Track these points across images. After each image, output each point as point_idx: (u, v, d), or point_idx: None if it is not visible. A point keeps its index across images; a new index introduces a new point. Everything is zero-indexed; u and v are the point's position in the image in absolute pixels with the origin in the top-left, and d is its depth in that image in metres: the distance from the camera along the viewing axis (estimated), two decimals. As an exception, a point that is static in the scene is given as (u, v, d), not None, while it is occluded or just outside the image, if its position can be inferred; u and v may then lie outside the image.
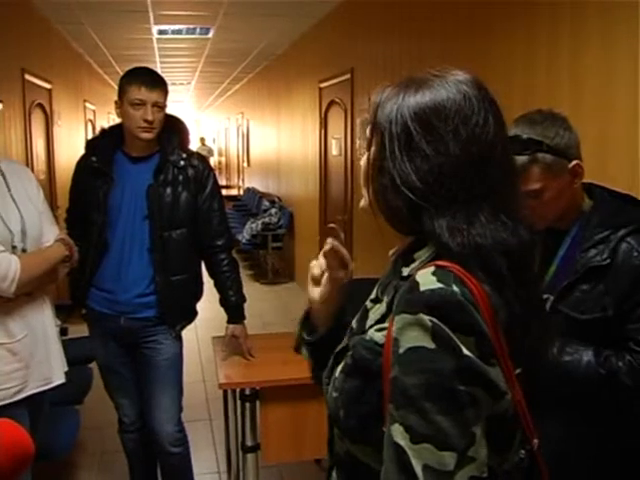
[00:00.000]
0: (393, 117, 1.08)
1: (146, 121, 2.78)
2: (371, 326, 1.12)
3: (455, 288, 0.98)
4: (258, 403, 2.92)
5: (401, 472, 0.95)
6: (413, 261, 1.10)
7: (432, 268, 1.02)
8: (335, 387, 1.14)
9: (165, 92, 2.86)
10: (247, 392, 2.90)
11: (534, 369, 1.13)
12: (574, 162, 1.75)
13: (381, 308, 1.12)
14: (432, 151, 1.05)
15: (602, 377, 1.66)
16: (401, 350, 0.98)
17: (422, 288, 0.99)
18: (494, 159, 1.08)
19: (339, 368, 1.16)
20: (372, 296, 1.20)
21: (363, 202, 1.19)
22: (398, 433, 0.97)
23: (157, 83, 2.83)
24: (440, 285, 0.98)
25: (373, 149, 1.13)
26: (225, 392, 3.17)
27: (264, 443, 2.94)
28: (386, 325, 1.06)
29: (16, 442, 0.99)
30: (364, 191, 1.18)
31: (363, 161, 1.18)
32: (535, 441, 1.09)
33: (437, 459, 0.94)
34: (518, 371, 1.05)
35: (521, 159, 1.72)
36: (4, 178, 2.40)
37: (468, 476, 0.95)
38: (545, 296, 1.75)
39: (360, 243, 6.01)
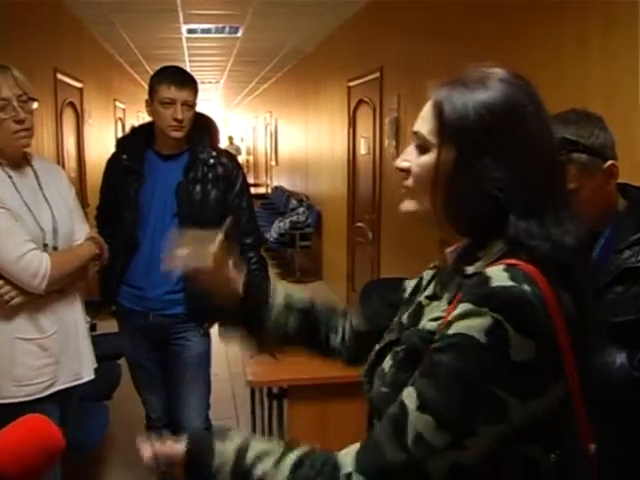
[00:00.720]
0: (469, 116, 1.05)
1: (176, 120, 2.80)
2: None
3: (526, 287, 0.97)
4: (285, 401, 2.92)
5: (393, 429, 0.99)
6: (477, 260, 1.08)
7: (503, 266, 1.01)
8: (385, 382, 1.13)
9: (195, 91, 2.88)
10: (275, 390, 2.90)
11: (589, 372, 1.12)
12: (609, 162, 1.73)
13: (441, 305, 1.10)
14: (522, 150, 1.04)
15: (635, 380, 1.63)
16: (450, 332, 0.99)
17: (493, 284, 0.98)
18: (557, 158, 1.09)
19: (387, 363, 1.15)
20: (428, 293, 1.18)
21: (412, 206, 1.15)
22: (410, 396, 1.00)
23: (187, 82, 2.85)
24: (512, 283, 0.98)
25: (445, 153, 1.08)
26: (252, 390, 3.18)
27: (291, 441, 2.94)
28: (442, 315, 1.06)
29: (47, 437, 1.00)
30: (422, 197, 1.13)
31: (420, 165, 1.12)
32: (592, 446, 1.07)
33: (432, 433, 0.96)
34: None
35: None
36: (36, 176, 2.42)
37: (452, 460, 0.98)
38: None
39: (387, 242, 5.99)
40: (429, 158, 1.10)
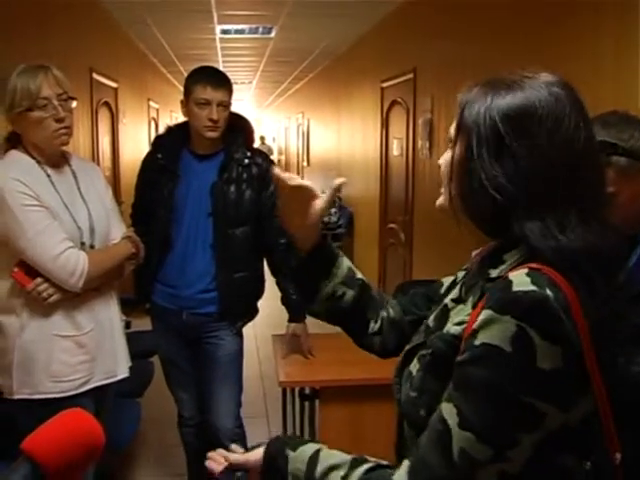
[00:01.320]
0: (482, 118, 1.07)
1: (211, 120, 2.81)
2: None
3: (549, 292, 0.96)
4: (317, 403, 2.92)
5: (438, 447, 1.00)
6: (502, 263, 1.08)
7: (526, 270, 1.00)
8: (413, 387, 1.14)
9: (230, 91, 2.89)
10: (307, 391, 2.90)
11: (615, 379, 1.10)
12: None
13: (466, 308, 1.10)
14: (524, 153, 1.04)
15: None
16: (477, 342, 0.99)
17: (515, 288, 0.98)
18: (585, 163, 1.06)
19: (415, 367, 1.16)
20: (454, 296, 1.19)
21: (441, 200, 1.18)
22: (449, 412, 1.00)
23: (222, 82, 2.86)
24: (534, 288, 0.97)
25: (458, 150, 1.12)
26: (284, 390, 3.19)
27: (322, 443, 2.94)
28: (466, 319, 1.06)
29: (88, 432, 1.00)
30: (444, 190, 1.17)
31: (444, 160, 1.17)
32: (617, 455, 1.05)
33: (475, 448, 0.97)
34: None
35: None
36: (74, 176, 2.45)
37: (499, 470, 0.98)
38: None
39: (420, 244, 5.96)
40: (448, 155, 1.16)
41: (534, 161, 1.04)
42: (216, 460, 1.27)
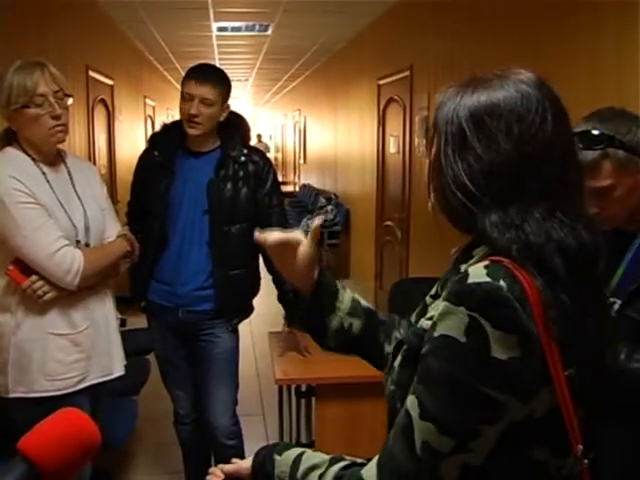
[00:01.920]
0: (449, 117, 1.10)
1: (190, 115, 2.80)
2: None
3: (502, 283, 0.98)
4: (314, 400, 2.92)
5: (404, 439, 1.02)
6: (471, 258, 1.10)
7: (486, 262, 1.02)
8: (393, 380, 1.17)
9: (216, 89, 2.82)
10: (303, 388, 2.90)
11: (596, 375, 1.11)
12: None
13: (439, 303, 1.11)
14: (483, 150, 1.06)
15: None
16: (435, 334, 1.01)
17: (469, 280, 1.00)
18: (552, 158, 1.06)
19: (397, 362, 1.18)
20: (432, 292, 1.21)
21: (430, 203, 1.20)
22: (412, 404, 1.02)
23: (207, 79, 2.82)
24: (487, 279, 0.98)
25: (434, 149, 1.14)
26: (280, 388, 3.19)
27: (318, 440, 2.94)
28: (436, 313, 1.07)
29: (84, 430, 1.00)
30: (429, 190, 1.19)
31: (426, 161, 1.19)
32: (579, 447, 1.06)
33: (436, 440, 0.99)
34: (569, 372, 1.02)
35: (592, 154, 1.66)
36: (69, 174, 2.44)
37: (461, 462, 1.00)
38: (612, 300, 1.70)
39: (416, 242, 5.97)
40: (429, 154, 1.18)
41: (492, 156, 1.05)
42: (215, 474, 1.37)
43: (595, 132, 1.68)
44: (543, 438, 1.04)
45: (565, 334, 1.00)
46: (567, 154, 1.09)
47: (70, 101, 2.35)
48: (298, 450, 1.23)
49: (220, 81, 2.88)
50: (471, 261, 1.09)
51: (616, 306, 1.69)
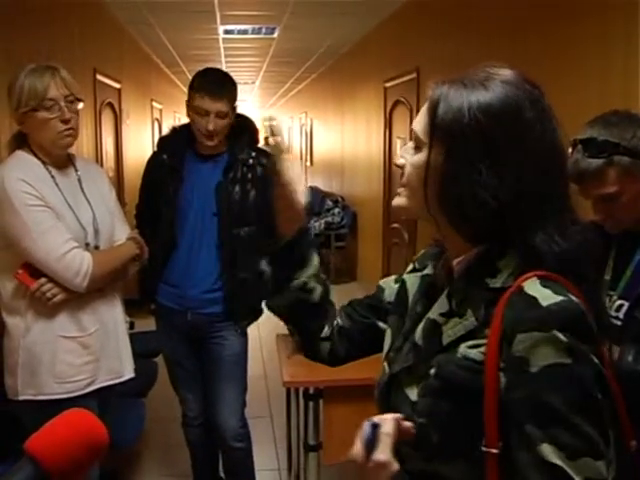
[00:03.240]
0: (463, 117, 1.03)
1: (209, 131, 2.81)
2: (453, 342, 1.07)
3: (574, 298, 0.97)
4: (321, 402, 2.92)
5: None
6: (498, 271, 1.05)
7: (535, 279, 1.00)
8: (420, 413, 1.08)
9: (230, 100, 2.85)
10: (311, 391, 2.90)
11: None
12: None
13: (466, 323, 1.06)
14: (519, 157, 1.02)
15: None
16: (534, 369, 0.96)
17: (544, 303, 0.97)
18: (559, 160, 1.06)
19: (413, 392, 1.11)
20: (442, 310, 1.12)
21: (401, 202, 1.15)
22: (550, 453, 0.94)
23: (221, 93, 2.82)
24: (562, 297, 0.97)
25: (435, 151, 1.07)
26: (288, 390, 3.19)
27: (326, 443, 2.94)
28: (482, 342, 1.02)
29: (91, 432, 1.00)
30: (408, 191, 1.14)
31: (414, 161, 1.12)
32: (633, 443, 1.07)
33: (595, 469, 0.94)
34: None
35: (597, 162, 1.66)
36: (78, 177, 2.45)
37: (612, 477, 0.96)
38: (620, 302, 1.70)
39: (424, 244, 5.93)
40: (420, 157, 1.10)
41: (528, 163, 1.02)
42: None
43: (600, 139, 1.68)
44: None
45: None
46: (565, 155, 1.10)
47: (81, 105, 2.36)
48: None
49: (231, 91, 2.89)
50: (501, 276, 1.04)
51: (624, 308, 1.69)
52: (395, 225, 6.85)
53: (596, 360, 0.97)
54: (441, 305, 1.13)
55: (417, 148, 1.11)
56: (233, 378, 3.03)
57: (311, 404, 2.91)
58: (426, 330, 1.14)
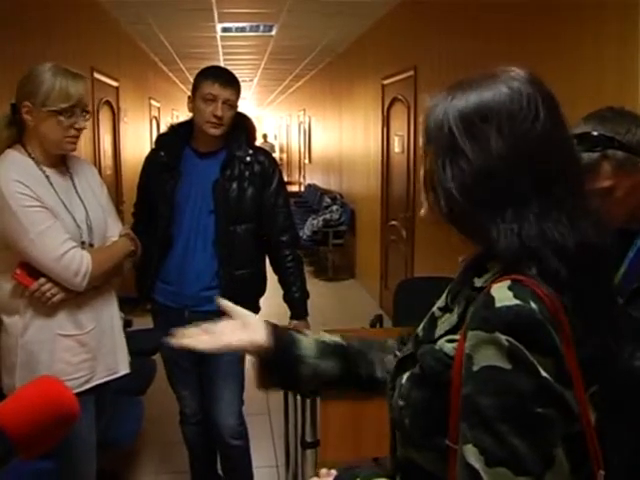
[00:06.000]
0: (439, 122, 1.07)
1: (215, 116, 2.82)
2: (441, 336, 1.09)
3: (533, 305, 0.94)
4: (319, 400, 2.92)
5: None
6: (486, 271, 1.06)
7: (508, 282, 0.98)
8: (401, 395, 1.12)
9: (237, 92, 2.91)
10: (307, 389, 2.90)
11: (607, 383, 1.07)
12: None
13: (451, 318, 1.09)
14: (475, 152, 1.02)
15: None
16: (475, 368, 0.96)
17: (498, 304, 0.95)
18: (545, 155, 1.03)
19: (405, 375, 1.14)
20: (440, 304, 1.17)
21: (423, 211, 1.17)
22: (472, 455, 0.94)
23: (231, 82, 2.89)
24: (517, 302, 0.95)
25: (427, 157, 1.11)
26: (286, 387, 3.18)
27: (323, 440, 2.94)
28: (457, 337, 1.03)
29: (58, 399, 0.99)
30: (423, 198, 1.16)
31: (423, 170, 1.15)
32: (601, 472, 1.01)
33: None
34: (592, 390, 1.00)
35: (591, 156, 1.67)
36: (70, 175, 2.45)
37: None
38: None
39: (422, 241, 5.97)
40: (424, 161, 1.13)
41: (485, 158, 1.02)
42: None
43: (594, 134, 1.68)
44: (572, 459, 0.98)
45: (587, 352, 0.97)
46: (563, 149, 1.06)
47: (88, 116, 2.40)
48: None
49: (239, 85, 2.94)
50: (486, 276, 1.05)
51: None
52: (393, 222, 6.86)
53: (544, 373, 0.92)
54: (442, 300, 1.17)
55: (424, 155, 1.14)
56: (231, 376, 3.03)
57: (308, 401, 2.91)
58: (426, 322, 1.18)
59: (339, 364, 1.37)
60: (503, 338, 0.93)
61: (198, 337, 1.37)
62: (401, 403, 1.11)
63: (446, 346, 1.05)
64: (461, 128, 1.04)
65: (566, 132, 1.09)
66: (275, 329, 1.36)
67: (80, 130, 2.32)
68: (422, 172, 1.15)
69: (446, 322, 1.10)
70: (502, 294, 0.96)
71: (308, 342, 1.37)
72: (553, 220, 1.00)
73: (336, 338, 1.41)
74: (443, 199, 1.06)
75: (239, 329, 1.36)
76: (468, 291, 1.06)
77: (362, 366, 1.38)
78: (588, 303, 1.01)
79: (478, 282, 1.06)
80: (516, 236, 0.99)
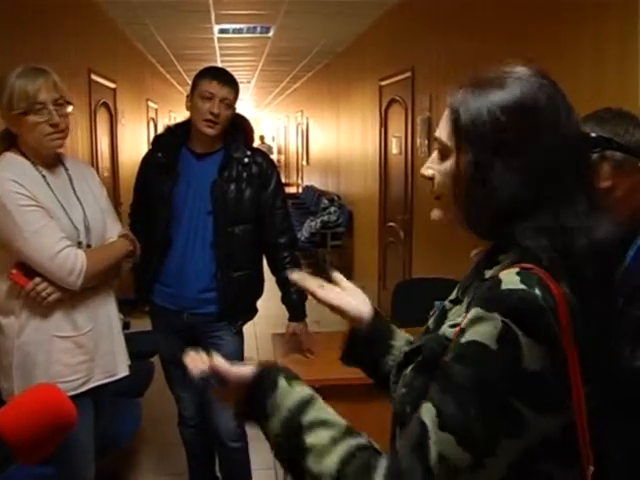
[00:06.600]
0: (481, 118, 1.04)
1: (212, 114, 2.82)
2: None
3: (537, 292, 0.95)
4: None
5: (415, 450, 0.95)
6: (497, 264, 1.06)
7: (517, 269, 0.99)
8: (404, 383, 1.13)
9: (235, 91, 2.91)
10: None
11: (609, 383, 1.08)
12: None
13: (461, 309, 1.09)
14: (531, 150, 1.02)
15: None
16: (463, 340, 0.97)
17: (503, 287, 0.96)
18: (576, 154, 1.04)
19: (410, 367, 1.14)
20: (452, 297, 1.17)
21: (439, 214, 1.15)
22: (428, 413, 0.96)
23: (229, 81, 2.90)
24: (522, 287, 0.95)
25: (460, 156, 1.08)
26: (284, 389, 3.18)
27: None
28: (459, 320, 1.04)
29: (57, 406, 0.99)
30: (442, 202, 1.14)
31: (442, 169, 1.13)
32: (591, 468, 1.01)
33: (454, 454, 0.92)
34: (587, 388, 0.99)
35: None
36: (69, 176, 2.45)
37: (475, 478, 0.94)
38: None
39: (419, 242, 5.97)
40: (449, 164, 1.10)
41: (538, 158, 1.02)
42: (196, 360, 1.19)
43: (592, 135, 1.69)
44: (553, 452, 1.00)
45: (588, 348, 0.97)
46: (585, 149, 1.08)
47: (70, 108, 2.35)
48: (309, 391, 1.10)
49: (237, 86, 2.95)
50: (497, 267, 1.05)
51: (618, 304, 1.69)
52: (391, 224, 6.86)
53: (527, 364, 0.92)
54: (453, 293, 1.18)
55: (444, 156, 1.12)
56: (229, 378, 3.03)
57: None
58: (437, 315, 1.19)
59: None
60: (500, 319, 0.94)
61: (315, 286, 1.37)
62: (403, 390, 1.12)
63: (448, 330, 1.06)
64: (510, 122, 1.02)
65: (580, 130, 1.10)
66: (378, 312, 1.40)
67: (57, 125, 2.27)
68: (438, 178, 1.13)
69: (456, 313, 1.10)
70: (509, 278, 0.97)
71: (402, 336, 1.40)
72: (582, 221, 1.01)
73: None
74: (482, 200, 1.04)
75: (347, 295, 1.39)
76: (478, 283, 1.07)
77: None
78: (595, 301, 1.01)
79: (488, 273, 1.06)
80: (549, 239, 0.99)
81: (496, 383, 0.93)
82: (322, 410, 1.07)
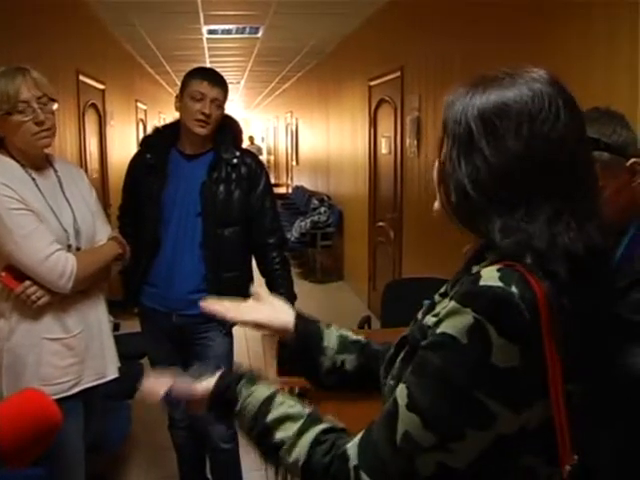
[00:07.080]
0: (458, 118, 1.07)
1: (203, 114, 2.82)
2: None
3: (514, 289, 0.95)
4: (306, 401, 2.91)
5: (387, 426, 1.02)
6: (484, 260, 1.07)
7: (499, 265, 1.00)
8: (392, 375, 1.15)
9: (225, 92, 2.92)
10: (297, 391, 2.90)
11: (599, 384, 1.07)
12: (632, 160, 1.70)
13: (446, 303, 1.09)
14: (491, 151, 1.03)
15: None
16: (438, 331, 1.00)
17: (481, 283, 0.97)
18: (563, 157, 1.03)
19: (398, 359, 1.16)
20: (442, 290, 1.20)
21: (436, 205, 1.17)
22: (401, 393, 1.02)
23: (219, 82, 2.90)
24: (499, 284, 0.96)
25: (443, 151, 1.11)
26: (274, 390, 3.18)
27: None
28: (439, 310, 1.07)
29: (43, 411, 0.99)
30: (438, 193, 1.16)
31: (436, 162, 1.16)
32: (567, 467, 1.01)
33: (418, 433, 0.98)
34: (569, 387, 0.99)
35: None
36: (58, 178, 2.44)
37: (438, 460, 0.98)
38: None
39: (409, 242, 5.98)
40: (438, 156, 1.14)
41: (500, 158, 1.02)
42: (158, 384, 1.27)
43: None
44: (533, 447, 1.01)
45: (570, 347, 0.97)
46: (579, 152, 1.06)
47: (55, 106, 2.33)
48: (270, 389, 1.20)
49: (226, 86, 2.95)
50: (483, 263, 1.06)
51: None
52: (381, 224, 6.87)
53: (495, 361, 0.94)
54: (443, 287, 1.20)
55: (439, 149, 1.15)
56: (219, 379, 3.02)
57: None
58: (426, 307, 1.21)
59: (356, 360, 1.44)
60: (472, 315, 0.96)
61: (226, 308, 1.41)
62: (391, 382, 1.14)
63: (431, 320, 1.08)
64: (480, 126, 1.04)
65: (584, 134, 1.10)
66: (302, 316, 1.44)
67: (42, 123, 2.25)
68: (436, 165, 1.15)
69: (442, 305, 1.11)
70: (489, 274, 0.98)
71: (332, 335, 1.44)
72: (563, 223, 1.01)
73: (359, 336, 1.48)
74: (454, 191, 1.07)
75: (267, 309, 1.44)
76: (466, 277, 1.07)
77: (376, 366, 1.42)
78: (587, 303, 1.02)
79: (475, 269, 1.07)
80: (523, 237, 1.00)
81: (461, 375, 0.96)
82: (282, 405, 1.16)
